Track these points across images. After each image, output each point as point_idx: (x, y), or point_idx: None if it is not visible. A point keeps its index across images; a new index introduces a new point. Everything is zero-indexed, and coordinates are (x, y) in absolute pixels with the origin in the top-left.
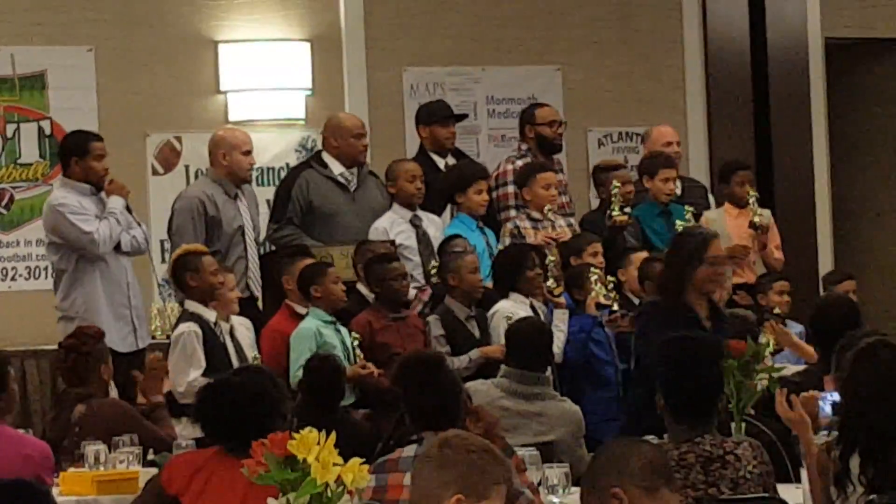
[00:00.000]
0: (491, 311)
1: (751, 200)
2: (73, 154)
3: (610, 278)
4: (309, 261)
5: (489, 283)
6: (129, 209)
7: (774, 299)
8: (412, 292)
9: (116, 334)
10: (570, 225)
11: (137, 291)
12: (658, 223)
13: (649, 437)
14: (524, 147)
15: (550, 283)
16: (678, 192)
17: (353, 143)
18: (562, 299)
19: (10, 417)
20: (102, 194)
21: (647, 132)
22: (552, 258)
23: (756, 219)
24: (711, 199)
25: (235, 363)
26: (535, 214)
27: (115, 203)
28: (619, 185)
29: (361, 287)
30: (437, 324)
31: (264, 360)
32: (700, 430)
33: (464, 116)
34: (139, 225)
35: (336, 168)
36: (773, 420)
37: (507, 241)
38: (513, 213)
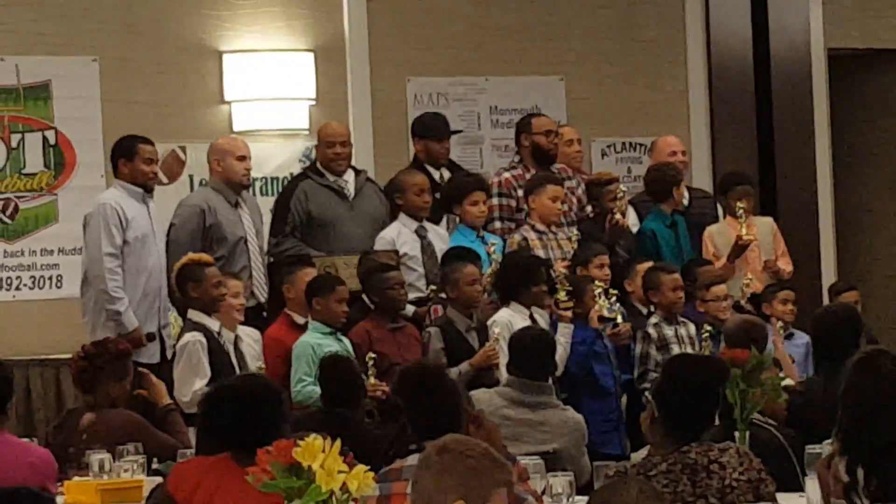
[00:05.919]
0: (490, 320)
1: (739, 212)
2: (122, 156)
3: (613, 291)
4: (310, 270)
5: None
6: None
7: (779, 308)
8: (409, 306)
9: (146, 349)
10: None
11: (166, 306)
12: (668, 234)
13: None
14: (516, 159)
15: (562, 295)
16: (685, 202)
17: (326, 151)
18: (568, 313)
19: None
20: (151, 202)
21: (653, 143)
22: (563, 270)
23: (743, 231)
24: (720, 209)
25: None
26: (540, 226)
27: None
28: (624, 189)
29: (366, 297)
30: (438, 336)
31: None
32: (689, 439)
33: (458, 132)
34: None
35: (331, 176)
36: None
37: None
38: (497, 224)
